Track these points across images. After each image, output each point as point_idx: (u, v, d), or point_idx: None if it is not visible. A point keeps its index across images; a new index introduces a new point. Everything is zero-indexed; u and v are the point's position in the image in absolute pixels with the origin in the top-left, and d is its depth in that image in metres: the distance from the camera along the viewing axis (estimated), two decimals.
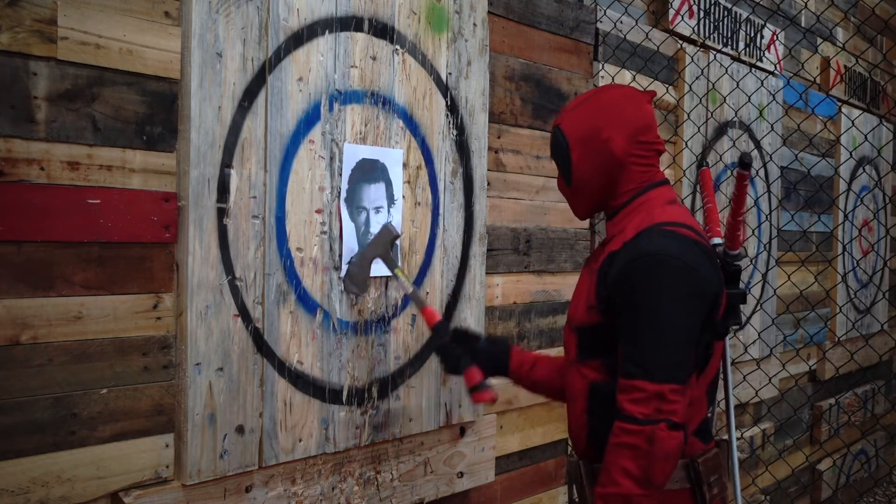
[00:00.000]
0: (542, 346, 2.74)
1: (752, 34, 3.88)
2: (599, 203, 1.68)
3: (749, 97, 3.44)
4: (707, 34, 3.56)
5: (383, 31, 2.12)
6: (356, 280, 2.03)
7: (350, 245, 2.03)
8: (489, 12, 2.46)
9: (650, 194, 1.60)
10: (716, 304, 1.52)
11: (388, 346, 2.16)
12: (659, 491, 1.43)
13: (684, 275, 1.46)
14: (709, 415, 1.61)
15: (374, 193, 2.10)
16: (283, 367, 1.91)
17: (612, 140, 1.58)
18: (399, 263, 2.03)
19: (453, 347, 1.90)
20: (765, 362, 3.79)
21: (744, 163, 1.59)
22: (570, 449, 2.94)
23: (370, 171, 2.09)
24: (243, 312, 1.83)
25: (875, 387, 5.08)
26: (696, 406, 1.56)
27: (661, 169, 3.28)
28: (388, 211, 2.13)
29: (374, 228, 2.09)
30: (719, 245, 1.63)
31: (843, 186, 4.52)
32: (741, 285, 1.65)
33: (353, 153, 2.05)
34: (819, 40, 4.60)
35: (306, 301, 1.96)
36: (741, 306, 1.61)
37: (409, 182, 2.20)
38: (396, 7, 2.15)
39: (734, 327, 1.57)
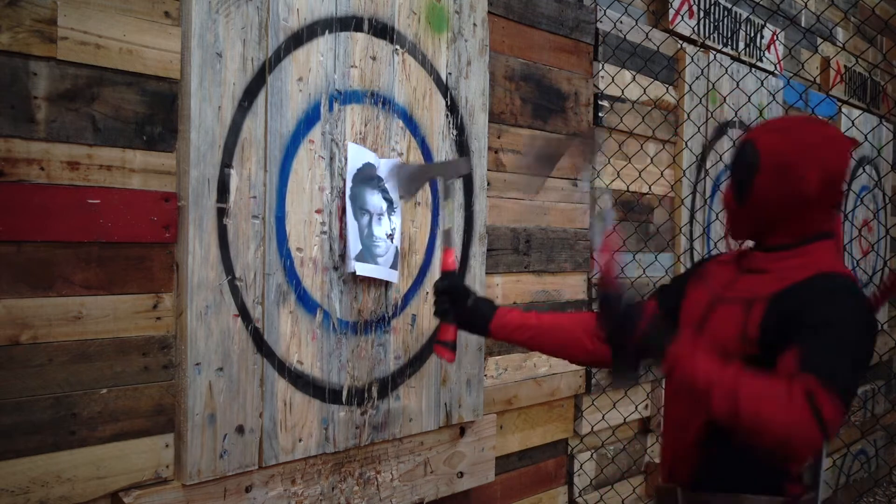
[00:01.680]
0: None
1: (752, 34, 3.87)
2: (765, 232, 1.60)
3: (749, 97, 3.44)
4: (707, 34, 3.56)
5: (383, 31, 2.12)
6: (407, 185, 1.98)
7: (354, 245, 2.03)
8: (489, 12, 2.46)
9: (824, 244, 1.55)
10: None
11: (388, 346, 2.16)
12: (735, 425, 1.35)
13: (870, 317, 1.47)
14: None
15: (377, 199, 2.10)
16: (283, 367, 1.91)
17: (806, 179, 1.49)
18: (451, 196, 1.99)
19: (449, 298, 1.83)
20: None
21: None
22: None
23: (372, 177, 2.09)
24: (243, 312, 1.83)
25: (875, 387, 5.08)
26: None
27: (662, 169, 3.29)
28: (389, 217, 2.12)
29: (377, 232, 2.09)
30: None
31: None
32: None
33: (360, 155, 2.05)
34: (819, 40, 4.60)
35: (306, 301, 1.96)
36: None
37: None
38: (396, 7, 2.15)
39: None
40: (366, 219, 2.07)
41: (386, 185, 2.09)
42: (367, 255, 2.06)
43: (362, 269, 2.04)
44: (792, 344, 1.42)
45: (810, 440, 1.31)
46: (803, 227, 1.55)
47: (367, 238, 2.07)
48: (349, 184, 2.03)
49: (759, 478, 1.54)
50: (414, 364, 2.23)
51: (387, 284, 2.14)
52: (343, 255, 2.03)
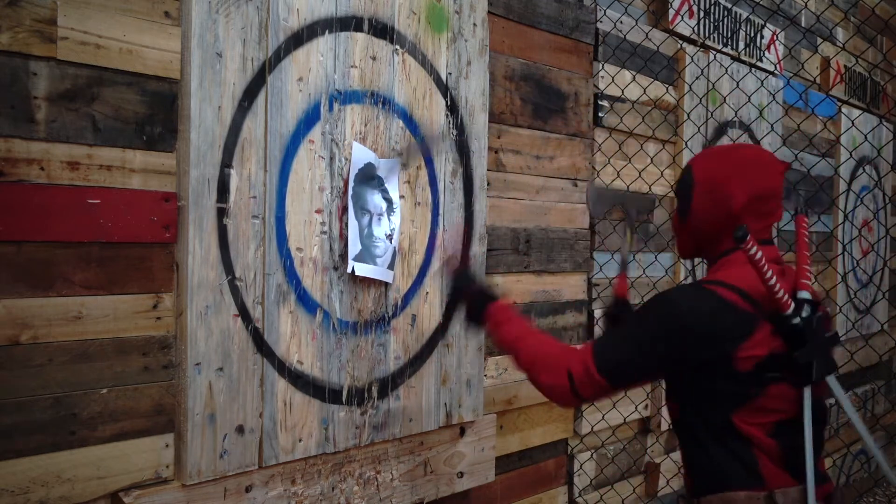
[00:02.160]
0: None
1: (752, 34, 3.87)
2: (703, 248, 1.75)
3: (749, 97, 3.44)
4: (707, 34, 3.56)
5: (383, 31, 2.12)
6: (598, 206, 2.19)
7: (354, 245, 2.03)
8: (489, 12, 2.46)
9: (739, 253, 1.64)
10: (727, 355, 1.55)
11: (388, 346, 2.16)
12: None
13: (675, 314, 1.58)
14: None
15: (377, 199, 2.10)
16: (283, 367, 1.91)
17: (733, 196, 1.64)
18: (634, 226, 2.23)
19: (456, 287, 2.03)
20: None
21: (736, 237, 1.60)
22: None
23: (372, 177, 2.09)
24: (243, 312, 1.83)
25: (875, 387, 5.08)
26: (766, 445, 1.59)
27: (661, 168, 3.29)
28: (389, 218, 2.12)
29: (377, 232, 2.09)
30: (807, 300, 1.60)
31: (843, 186, 4.52)
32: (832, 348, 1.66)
33: (362, 154, 2.05)
34: (819, 40, 4.60)
35: (306, 301, 1.96)
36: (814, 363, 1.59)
37: (409, 182, 2.20)
38: (396, 7, 2.14)
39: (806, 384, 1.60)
40: (366, 219, 2.07)
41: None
42: (366, 255, 2.06)
43: (361, 269, 2.04)
44: None
45: (563, 398, 1.66)
46: (731, 240, 1.65)
47: (367, 238, 2.07)
48: (351, 183, 2.03)
49: (727, 474, 1.59)
50: (414, 364, 2.23)
51: (387, 284, 2.14)
52: (343, 255, 2.03)
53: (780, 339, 1.56)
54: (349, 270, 2.02)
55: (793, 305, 1.55)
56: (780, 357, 1.56)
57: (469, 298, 1.89)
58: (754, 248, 1.52)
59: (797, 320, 1.55)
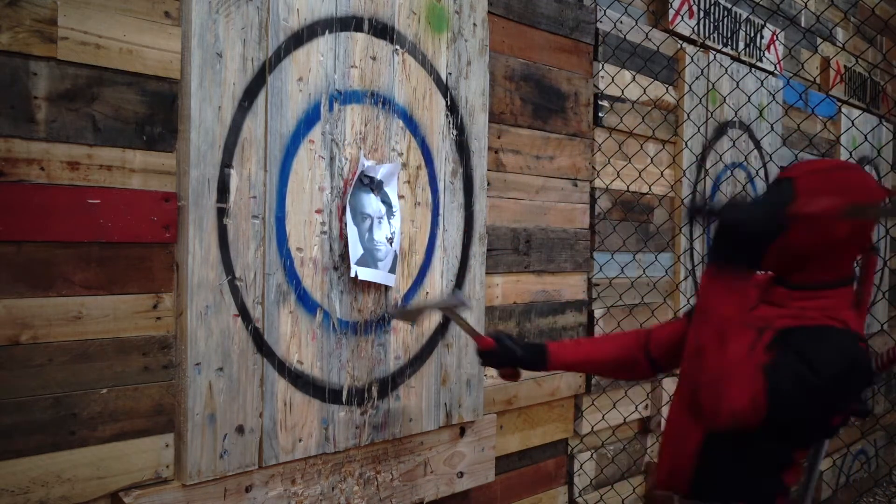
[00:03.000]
0: None
1: (752, 34, 3.87)
2: (790, 269, 1.61)
3: (749, 97, 3.44)
4: (707, 34, 3.56)
5: (383, 31, 2.12)
6: (408, 315, 2.11)
7: (355, 249, 2.03)
8: (489, 12, 2.46)
9: (841, 291, 1.57)
10: (845, 410, 1.57)
11: (388, 346, 2.16)
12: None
13: (854, 378, 1.48)
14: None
15: (374, 203, 2.09)
16: (283, 367, 1.91)
17: (839, 224, 1.52)
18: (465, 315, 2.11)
19: (498, 365, 1.97)
20: None
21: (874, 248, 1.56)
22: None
23: (370, 181, 2.09)
24: (243, 312, 1.83)
25: (875, 387, 5.08)
26: (794, 472, 1.62)
27: (662, 169, 3.29)
28: (389, 221, 2.12)
29: (377, 236, 2.09)
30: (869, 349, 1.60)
31: None
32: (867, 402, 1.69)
33: (359, 162, 2.06)
34: (819, 40, 4.60)
35: (306, 301, 1.96)
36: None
37: (409, 182, 2.20)
38: (396, 7, 2.14)
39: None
40: (367, 223, 2.07)
41: (386, 188, 2.11)
42: (368, 259, 2.06)
43: (364, 273, 2.04)
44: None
45: (717, 420, 1.42)
46: (828, 271, 1.57)
47: (369, 242, 2.07)
48: (351, 189, 2.03)
49: (752, 490, 1.59)
50: (414, 364, 2.23)
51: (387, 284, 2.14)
52: (343, 256, 2.03)
53: None
54: (353, 275, 2.02)
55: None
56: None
57: (518, 353, 1.89)
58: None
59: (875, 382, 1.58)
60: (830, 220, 1.51)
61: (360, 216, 2.05)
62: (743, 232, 1.42)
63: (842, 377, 1.45)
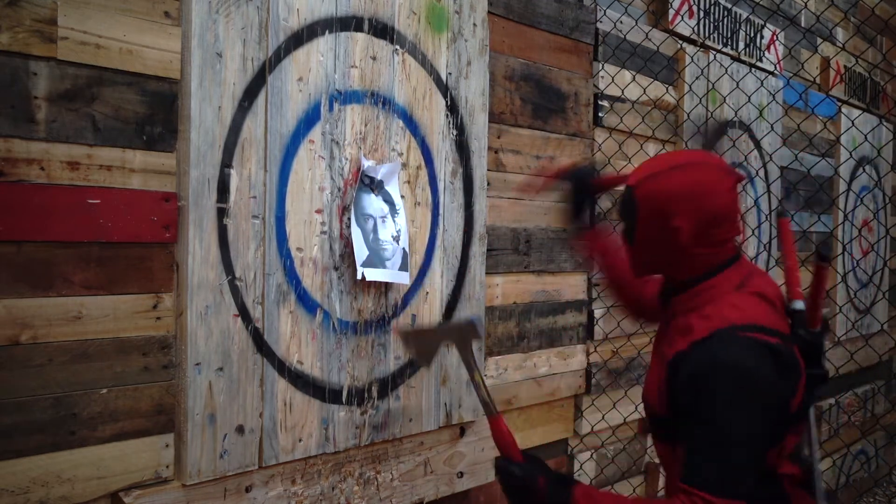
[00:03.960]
0: (542, 345, 2.74)
1: (752, 34, 3.87)
2: (658, 272, 1.65)
3: (749, 97, 3.44)
4: (707, 34, 3.56)
5: (383, 31, 2.12)
6: (422, 354, 2.02)
7: (360, 250, 2.02)
8: (489, 12, 2.46)
9: (718, 279, 1.55)
10: (788, 406, 1.50)
11: (388, 346, 2.16)
12: None
13: (758, 389, 1.43)
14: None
15: (376, 203, 2.09)
16: (283, 367, 1.91)
17: (680, 230, 1.51)
18: (476, 366, 1.81)
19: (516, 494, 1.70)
20: None
21: (822, 256, 1.52)
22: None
23: (371, 181, 2.09)
24: (243, 312, 1.83)
25: (875, 387, 5.08)
26: (786, 464, 1.57)
27: None
28: (393, 220, 2.12)
29: (383, 235, 2.08)
30: (800, 311, 1.56)
31: (843, 186, 4.52)
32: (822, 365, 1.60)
33: (360, 163, 2.06)
34: (819, 40, 4.60)
35: (306, 301, 1.96)
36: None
37: (409, 182, 2.20)
38: (396, 7, 2.14)
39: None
40: (370, 223, 2.06)
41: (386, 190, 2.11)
42: (375, 259, 2.05)
43: (372, 274, 2.03)
44: (680, 435, 1.50)
45: None
46: (692, 268, 1.56)
47: (374, 242, 2.06)
48: (352, 192, 2.03)
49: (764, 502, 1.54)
50: (414, 364, 2.23)
51: (387, 284, 2.14)
52: (343, 256, 2.03)
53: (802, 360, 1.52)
54: (359, 277, 2.00)
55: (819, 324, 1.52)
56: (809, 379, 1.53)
57: (543, 496, 1.56)
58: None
59: (822, 338, 1.53)
60: (667, 224, 1.51)
61: (362, 217, 2.05)
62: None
63: (746, 402, 1.41)
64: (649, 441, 3.32)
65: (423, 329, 2.15)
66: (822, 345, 1.58)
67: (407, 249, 2.15)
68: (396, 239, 2.12)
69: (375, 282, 2.10)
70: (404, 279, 2.12)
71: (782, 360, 1.47)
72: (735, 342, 1.45)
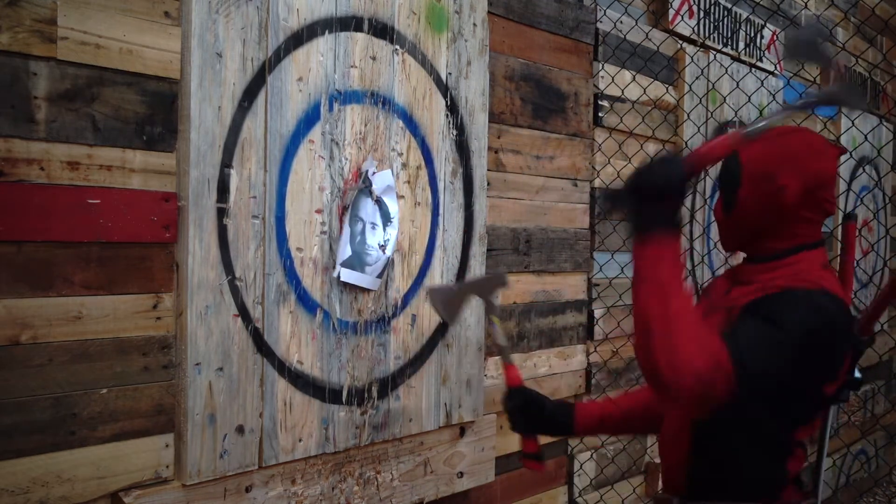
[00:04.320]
0: (542, 345, 2.74)
1: (752, 34, 3.88)
2: (751, 243, 1.61)
3: (749, 97, 3.44)
4: (707, 34, 3.56)
5: (383, 31, 2.12)
6: (449, 310, 2.04)
7: (343, 249, 2.02)
8: (489, 12, 2.46)
9: (808, 254, 1.54)
10: (835, 376, 1.50)
11: (388, 346, 2.16)
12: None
13: (828, 334, 1.41)
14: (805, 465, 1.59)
15: (370, 208, 2.09)
16: (283, 367, 1.91)
17: (787, 188, 1.49)
18: (498, 313, 2.00)
19: (523, 412, 1.85)
20: None
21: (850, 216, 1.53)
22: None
23: (369, 186, 2.08)
24: (243, 312, 1.83)
25: (875, 387, 5.08)
26: (797, 458, 1.56)
27: None
28: (384, 229, 2.11)
29: (370, 241, 2.08)
30: (855, 318, 1.56)
31: (843, 186, 4.52)
32: (857, 371, 1.60)
33: (364, 167, 2.05)
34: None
35: (306, 301, 1.96)
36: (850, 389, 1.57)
37: (409, 182, 2.20)
38: (396, 7, 2.14)
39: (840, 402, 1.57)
40: (359, 226, 2.06)
41: (383, 196, 2.11)
42: (355, 261, 2.05)
43: (347, 275, 2.02)
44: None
45: (680, 385, 1.29)
46: (788, 238, 1.55)
47: (359, 245, 2.06)
48: (353, 194, 2.03)
49: (752, 486, 1.54)
50: (414, 364, 2.23)
51: (387, 285, 2.14)
52: (338, 255, 2.03)
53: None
54: (335, 275, 2.01)
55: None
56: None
57: (547, 405, 1.80)
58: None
59: (863, 344, 1.54)
60: (773, 182, 1.48)
61: (354, 218, 2.05)
62: (649, 189, 1.37)
63: (813, 330, 1.39)
64: (649, 441, 3.32)
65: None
66: (862, 354, 1.58)
67: (391, 259, 2.14)
68: (383, 248, 2.11)
69: (357, 285, 2.08)
70: (375, 286, 2.11)
71: (849, 335, 1.46)
72: (826, 296, 1.44)
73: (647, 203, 1.37)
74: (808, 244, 1.56)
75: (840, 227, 4.47)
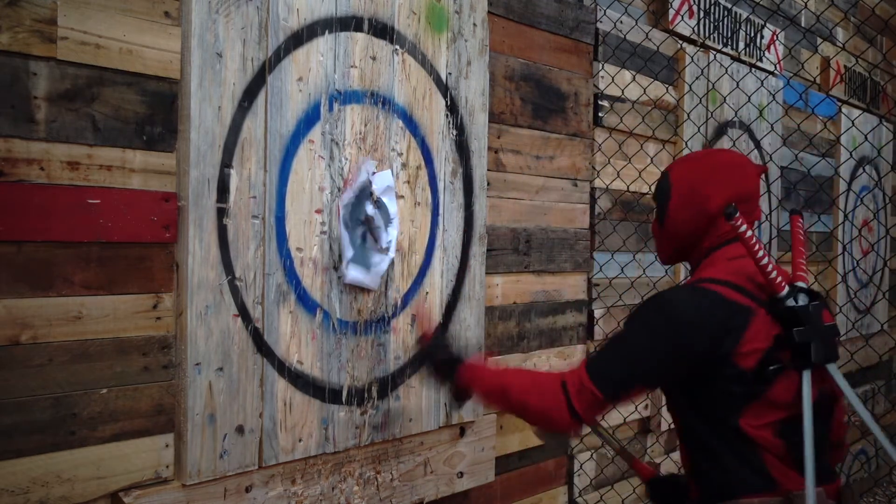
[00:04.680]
0: (542, 345, 2.74)
1: (752, 34, 3.88)
2: (684, 251, 1.76)
3: (749, 97, 3.44)
4: (707, 34, 3.56)
5: (383, 31, 2.12)
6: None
7: (346, 252, 2.02)
8: (489, 12, 2.46)
9: (723, 249, 1.68)
10: (726, 355, 1.53)
11: (388, 346, 2.16)
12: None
13: (672, 319, 1.56)
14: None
15: (371, 210, 2.08)
16: (283, 367, 1.91)
17: (710, 197, 1.66)
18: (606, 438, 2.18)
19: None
20: None
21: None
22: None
23: (370, 190, 2.08)
24: (243, 312, 1.83)
25: (875, 387, 5.08)
26: (773, 445, 1.55)
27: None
28: (386, 229, 2.11)
29: (371, 245, 2.08)
30: (802, 288, 1.60)
31: (843, 186, 4.52)
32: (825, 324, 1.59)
33: (367, 167, 2.05)
34: (819, 40, 4.60)
35: (306, 301, 1.96)
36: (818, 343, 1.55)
37: (409, 182, 2.20)
38: (396, 7, 2.14)
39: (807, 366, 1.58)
40: (359, 230, 2.06)
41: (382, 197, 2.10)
42: (360, 262, 2.05)
43: (352, 276, 2.03)
44: None
45: (562, 421, 1.58)
46: (713, 238, 1.70)
47: (360, 247, 2.06)
48: (349, 194, 2.03)
49: (750, 480, 1.55)
50: (414, 364, 2.23)
51: (387, 284, 2.14)
52: (342, 256, 2.03)
53: (779, 327, 1.55)
54: (338, 276, 2.01)
55: (787, 288, 1.55)
56: (780, 342, 1.54)
57: (440, 368, 1.85)
58: (744, 226, 1.54)
59: (792, 302, 1.55)
60: (698, 194, 1.67)
61: (354, 222, 2.05)
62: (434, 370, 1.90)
63: (649, 319, 1.58)
64: (649, 441, 3.32)
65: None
66: (788, 306, 1.55)
67: (393, 258, 2.14)
68: (386, 249, 2.11)
69: (361, 285, 2.08)
70: (375, 285, 2.11)
71: (722, 311, 1.55)
72: (687, 288, 1.65)
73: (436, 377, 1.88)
74: (725, 240, 1.68)
75: (839, 228, 4.48)
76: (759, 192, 1.72)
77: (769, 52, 3.99)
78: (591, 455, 3.05)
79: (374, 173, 2.08)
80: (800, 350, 1.54)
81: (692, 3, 3.46)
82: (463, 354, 1.87)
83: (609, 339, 1.75)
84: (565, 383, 1.57)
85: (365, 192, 2.07)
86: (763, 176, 1.75)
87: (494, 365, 1.78)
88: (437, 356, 1.88)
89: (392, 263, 2.14)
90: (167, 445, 1.73)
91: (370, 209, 2.08)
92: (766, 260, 1.54)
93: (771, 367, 1.54)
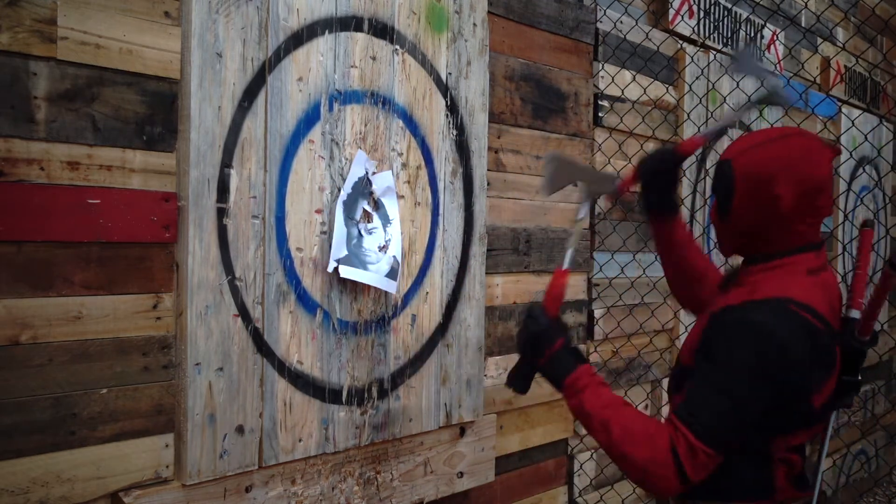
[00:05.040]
0: None
1: (752, 34, 3.88)
2: (747, 246, 1.61)
3: (749, 97, 3.44)
4: (707, 34, 3.56)
5: (383, 31, 2.12)
6: (553, 181, 1.98)
7: (338, 248, 1.99)
8: (489, 12, 2.46)
9: (795, 258, 1.53)
10: (809, 398, 1.48)
11: (388, 346, 2.16)
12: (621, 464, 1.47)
13: (779, 361, 1.41)
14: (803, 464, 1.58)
15: (369, 209, 2.08)
16: (283, 367, 1.91)
17: (782, 197, 1.49)
18: (583, 216, 1.91)
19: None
20: None
21: (893, 264, 1.51)
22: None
23: (368, 188, 2.08)
24: (243, 312, 1.83)
25: (875, 387, 5.08)
26: (790, 462, 1.54)
27: None
28: (384, 229, 2.11)
29: (367, 244, 2.07)
30: (855, 319, 1.55)
31: (843, 186, 4.52)
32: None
33: (364, 163, 2.05)
34: (819, 40, 4.60)
35: (306, 301, 1.96)
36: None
37: (409, 182, 2.20)
38: (396, 7, 2.14)
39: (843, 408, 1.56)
40: (356, 228, 2.05)
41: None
42: (354, 260, 2.04)
43: (347, 272, 2.00)
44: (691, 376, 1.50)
45: (668, 487, 1.42)
46: (783, 241, 1.55)
47: (356, 247, 2.05)
48: (347, 190, 2.02)
49: (746, 485, 1.54)
50: (414, 364, 2.23)
51: None
52: (331, 247, 2.03)
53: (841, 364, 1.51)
54: (329, 269, 1.97)
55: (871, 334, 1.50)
56: (841, 386, 1.52)
57: (552, 355, 1.57)
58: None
59: (857, 344, 1.50)
60: (767, 191, 1.50)
61: (350, 221, 2.04)
62: (528, 352, 1.61)
63: (758, 365, 1.41)
64: None
65: (572, 162, 2.14)
66: (865, 355, 1.55)
67: (398, 259, 2.13)
68: (383, 249, 2.10)
69: (367, 284, 2.07)
70: (392, 288, 2.10)
71: (819, 348, 1.44)
72: (782, 312, 1.43)
73: (538, 362, 1.58)
74: (802, 247, 1.55)
75: (839, 228, 4.47)
76: (832, 178, 1.53)
77: (769, 52, 3.99)
78: (591, 455, 3.05)
79: (373, 173, 2.08)
80: (851, 393, 1.52)
81: (692, 3, 3.46)
82: (580, 351, 1.65)
83: (700, 374, 1.48)
84: (675, 449, 1.40)
85: (359, 187, 2.06)
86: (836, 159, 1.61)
87: (603, 385, 1.55)
88: (546, 328, 1.60)
89: (395, 265, 2.14)
90: (167, 445, 1.73)
91: (366, 205, 2.07)
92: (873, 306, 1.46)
93: (829, 407, 1.52)
